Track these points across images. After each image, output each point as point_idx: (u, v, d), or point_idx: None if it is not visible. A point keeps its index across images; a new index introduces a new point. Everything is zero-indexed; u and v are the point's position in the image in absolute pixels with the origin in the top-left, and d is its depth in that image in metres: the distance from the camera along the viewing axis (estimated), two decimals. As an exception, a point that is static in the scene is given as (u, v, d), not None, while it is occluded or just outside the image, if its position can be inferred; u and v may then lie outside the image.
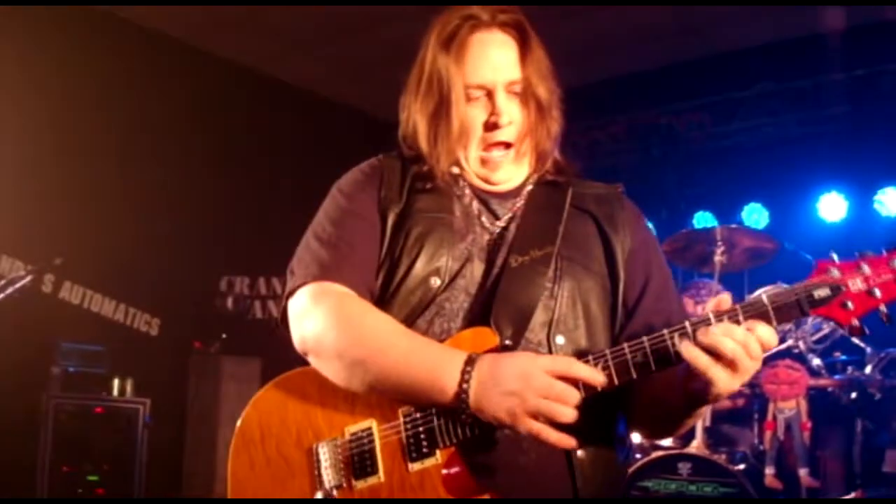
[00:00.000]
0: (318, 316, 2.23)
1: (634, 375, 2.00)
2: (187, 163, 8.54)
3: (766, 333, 1.93)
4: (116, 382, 7.42)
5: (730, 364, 1.92)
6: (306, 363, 2.33)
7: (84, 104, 7.79)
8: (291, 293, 2.32)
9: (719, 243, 6.01)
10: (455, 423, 2.09)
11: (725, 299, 2.00)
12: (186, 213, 8.47)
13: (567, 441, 1.97)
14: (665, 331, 1.99)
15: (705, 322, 1.96)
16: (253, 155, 9.14)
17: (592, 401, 2.09)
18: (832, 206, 8.22)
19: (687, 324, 1.98)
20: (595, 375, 1.98)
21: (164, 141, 8.37)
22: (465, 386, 2.02)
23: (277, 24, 8.39)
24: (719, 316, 1.96)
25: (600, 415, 2.21)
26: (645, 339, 2.00)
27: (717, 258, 5.98)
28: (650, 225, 2.65)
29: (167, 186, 8.36)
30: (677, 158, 9.01)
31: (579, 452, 2.19)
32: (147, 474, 7.22)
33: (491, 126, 2.36)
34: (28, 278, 6.30)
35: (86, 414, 7.06)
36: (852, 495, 5.60)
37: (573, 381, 1.97)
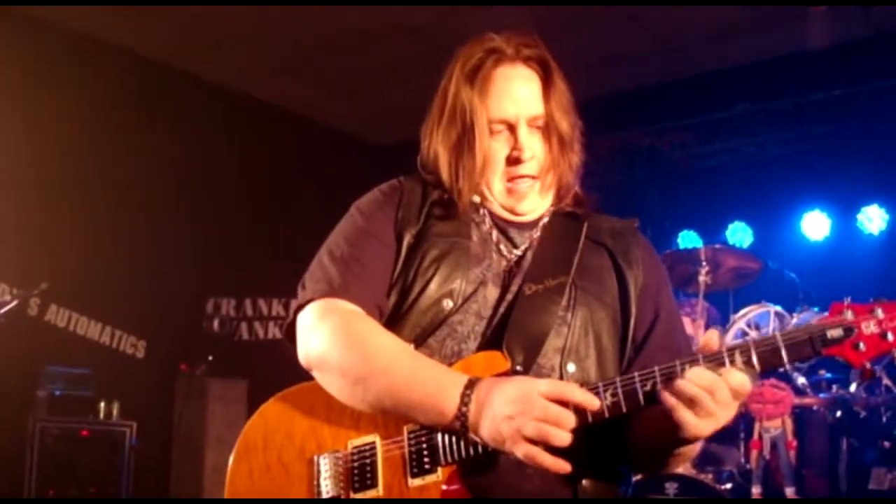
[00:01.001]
0: (323, 332, 2.26)
1: (643, 403, 2.02)
2: (172, 185, 8.55)
3: (737, 380, 1.96)
4: (102, 405, 7.42)
5: (693, 407, 1.95)
6: (294, 384, 2.36)
7: (67, 128, 7.79)
8: (300, 308, 2.35)
9: (704, 263, 6.05)
10: (459, 441, 2.10)
11: (713, 338, 2.03)
12: (172, 235, 8.47)
13: (562, 466, 1.98)
14: (677, 361, 2.02)
15: (716, 360, 1.99)
16: (238, 177, 9.15)
17: (598, 433, 2.11)
18: (815, 225, 8.28)
19: (677, 363, 2.01)
20: (591, 401, 2.00)
21: (148, 163, 8.37)
22: (464, 409, 2.04)
23: (259, 45, 8.41)
24: (731, 353, 1.99)
25: (605, 447, 2.24)
26: (657, 368, 2.03)
27: (702, 278, 6.02)
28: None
29: (152, 209, 8.37)
30: (661, 179, 9.06)
31: (584, 482, 2.22)
32: (134, 497, 7.21)
33: (513, 161, 2.38)
34: (14, 302, 6.30)
35: (72, 437, 7.07)
36: (839, 513, 5.64)
37: (570, 406, 1.99)
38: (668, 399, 1.97)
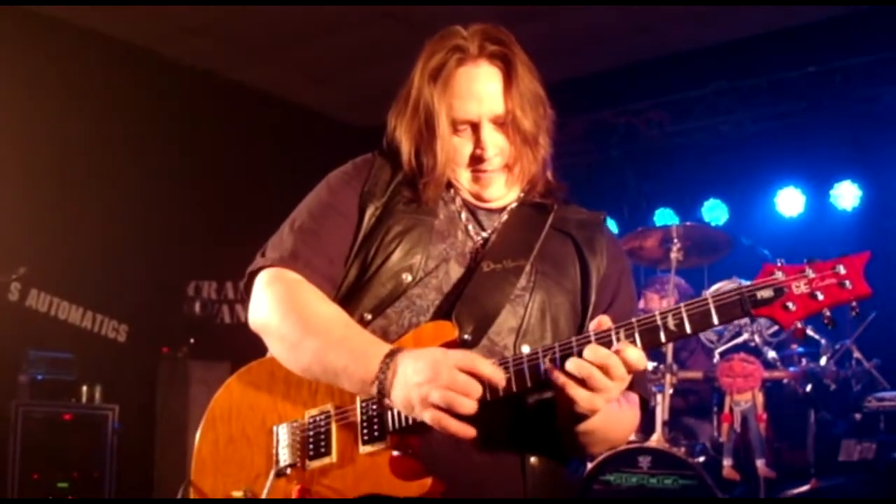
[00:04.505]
0: (268, 300, 2.36)
1: (529, 384, 2.10)
2: (152, 169, 8.56)
3: (633, 355, 2.01)
4: (85, 389, 7.47)
5: (583, 384, 2.02)
6: None
7: (47, 112, 7.79)
8: (253, 274, 2.45)
9: (675, 241, 6.12)
10: None
11: (604, 320, 2.08)
12: (152, 218, 8.49)
13: (466, 431, 2.04)
14: (573, 339, 2.09)
15: (648, 323, 2.04)
16: (219, 159, 9.16)
17: (545, 411, 2.21)
18: (790, 201, 8.32)
19: (573, 340, 2.08)
20: (497, 376, 2.07)
21: (128, 147, 8.39)
22: (381, 376, 2.12)
23: (239, 29, 8.42)
24: (664, 316, 2.03)
25: (551, 424, 2.29)
26: (556, 344, 2.10)
27: (673, 255, 6.09)
28: (613, 223, 2.73)
29: (132, 193, 8.38)
30: (637, 157, 9.11)
31: (532, 459, 2.30)
32: (117, 480, 7.25)
33: (477, 159, 2.44)
34: (-8, 287, 6.33)
35: (55, 421, 7.10)
36: (807, 486, 5.72)
37: (478, 378, 2.06)
38: (559, 377, 2.04)
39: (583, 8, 7.86)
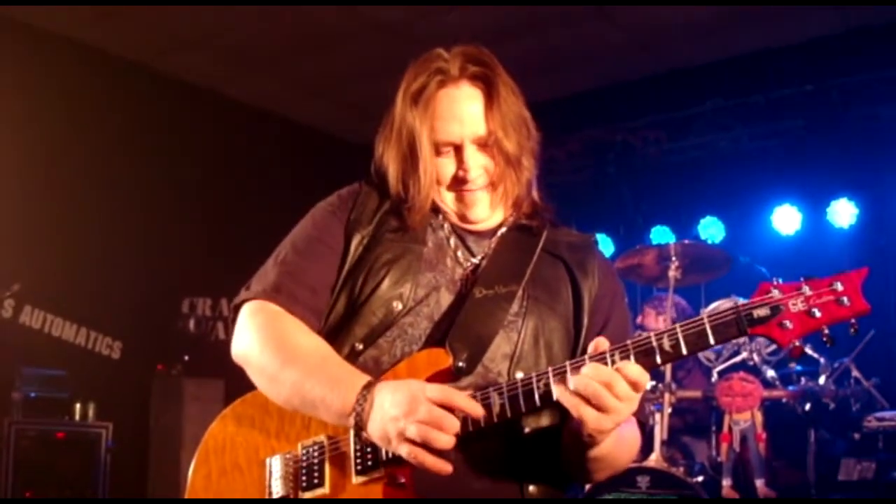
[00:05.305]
0: (249, 333, 2.35)
1: (523, 409, 2.08)
2: (147, 185, 8.54)
3: (634, 373, 1.98)
4: (78, 407, 7.42)
5: (592, 404, 1.98)
6: None
7: (41, 129, 7.78)
8: (237, 307, 2.44)
9: (673, 259, 6.10)
10: None
11: (602, 342, 2.05)
12: (147, 234, 8.46)
13: (442, 467, 2.03)
14: (567, 363, 2.06)
15: (644, 346, 2.01)
16: (213, 176, 9.14)
17: (544, 438, 2.19)
18: (786, 219, 8.31)
19: (567, 364, 2.05)
20: (474, 408, 2.05)
21: (124, 163, 8.36)
22: (358, 408, 2.10)
23: (235, 44, 8.41)
24: (659, 338, 2.00)
25: (550, 452, 2.27)
26: (550, 370, 2.07)
27: (671, 273, 6.07)
28: (610, 241, 2.70)
29: (127, 209, 8.35)
30: (634, 174, 9.10)
31: (531, 487, 2.27)
32: (111, 498, 7.20)
33: (460, 180, 2.42)
34: (-14, 304, 6.29)
35: (48, 439, 7.05)
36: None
37: (455, 411, 2.04)
38: (567, 397, 2.01)
39: (580, 25, 7.86)
